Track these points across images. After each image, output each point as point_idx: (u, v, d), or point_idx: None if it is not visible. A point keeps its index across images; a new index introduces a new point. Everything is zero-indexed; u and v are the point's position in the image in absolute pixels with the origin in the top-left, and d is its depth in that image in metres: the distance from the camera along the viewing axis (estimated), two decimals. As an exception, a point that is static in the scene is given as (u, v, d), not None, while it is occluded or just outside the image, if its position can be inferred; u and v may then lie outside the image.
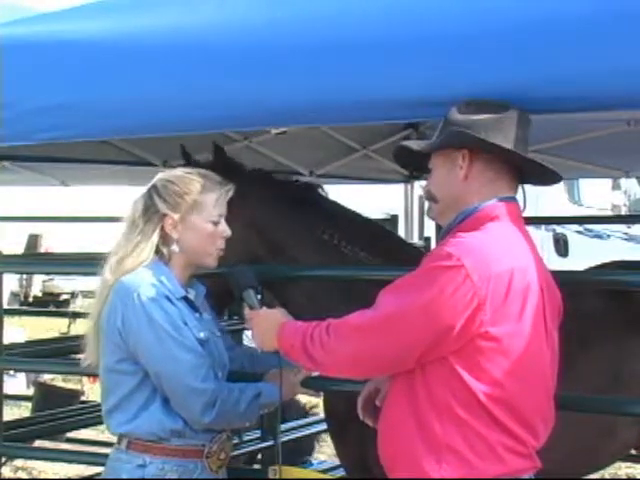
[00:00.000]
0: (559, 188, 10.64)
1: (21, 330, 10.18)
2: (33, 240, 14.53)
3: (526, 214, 2.46)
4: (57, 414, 5.76)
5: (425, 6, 2.60)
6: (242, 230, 3.16)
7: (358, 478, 3.42)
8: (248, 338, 4.83)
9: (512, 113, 2.39)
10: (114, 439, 2.85)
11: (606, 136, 4.67)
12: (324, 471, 4.99)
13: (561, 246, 10.87)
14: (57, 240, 14.06)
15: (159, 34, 2.97)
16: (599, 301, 3.49)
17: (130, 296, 2.70)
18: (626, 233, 11.23)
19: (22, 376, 8.69)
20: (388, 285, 2.37)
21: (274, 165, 5.25)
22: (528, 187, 2.50)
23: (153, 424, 2.73)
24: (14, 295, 14.28)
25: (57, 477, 6.60)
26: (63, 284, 15.05)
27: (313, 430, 5.40)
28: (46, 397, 6.63)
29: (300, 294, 3.29)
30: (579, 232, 10.94)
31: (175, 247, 2.80)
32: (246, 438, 5.04)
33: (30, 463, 6.73)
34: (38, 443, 5.62)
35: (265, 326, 2.63)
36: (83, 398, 6.91)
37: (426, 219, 5.96)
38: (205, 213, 2.80)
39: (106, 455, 2.94)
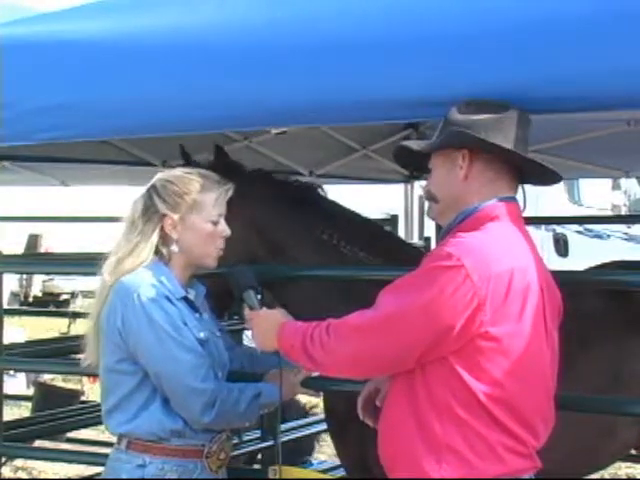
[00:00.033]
0: (559, 188, 10.64)
1: (21, 330, 10.18)
2: (33, 240, 14.54)
3: (526, 214, 2.46)
4: (57, 414, 5.77)
5: (425, 6, 2.60)
6: (242, 230, 3.16)
7: (358, 478, 3.42)
8: (248, 338, 4.83)
9: (512, 113, 2.39)
10: (114, 439, 2.85)
11: (606, 136, 4.67)
12: (324, 471, 4.99)
13: (561, 246, 10.87)
14: (57, 240, 14.06)
15: (159, 34, 2.96)
16: (599, 301, 3.49)
17: (130, 296, 2.70)
18: (626, 233, 11.23)
19: (22, 376, 8.69)
20: (388, 285, 2.37)
21: (274, 165, 5.25)
22: (528, 187, 2.50)
23: (153, 424, 2.73)
24: (14, 295, 14.28)
25: (57, 477, 6.60)
26: (63, 284, 15.05)
27: (313, 430, 5.40)
28: (46, 397, 6.63)
29: (300, 294, 3.29)
30: (579, 232, 10.94)
31: (174, 247, 2.80)
32: (246, 438, 5.04)
33: (30, 463, 6.73)
34: (38, 443, 5.62)
35: (265, 326, 2.63)
36: (83, 398, 6.91)
37: (426, 219, 5.96)
38: (204, 213, 2.80)
39: (106, 455, 2.94)
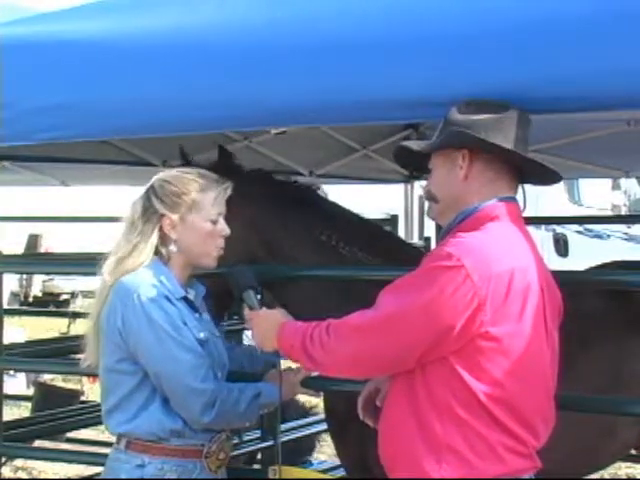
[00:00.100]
0: (559, 188, 10.64)
1: (21, 330, 10.18)
2: (33, 240, 14.54)
3: (526, 214, 2.46)
4: (57, 414, 5.77)
5: (425, 6, 2.60)
6: (241, 230, 3.16)
7: (358, 478, 3.42)
8: (248, 338, 4.84)
9: (512, 113, 2.39)
10: (114, 439, 2.85)
11: (606, 136, 4.67)
12: (324, 471, 4.99)
13: (561, 246, 10.87)
14: (57, 240, 14.06)
15: (159, 34, 2.96)
16: (599, 301, 3.49)
17: (130, 296, 2.70)
18: (626, 233, 11.22)
19: (22, 376, 8.69)
20: (388, 285, 2.37)
21: (274, 165, 5.24)
22: (528, 187, 2.50)
23: (153, 424, 2.73)
24: (14, 295, 14.28)
25: (57, 477, 6.60)
26: (63, 284, 15.05)
27: (313, 430, 5.40)
28: (46, 397, 6.62)
29: (300, 294, 3.29)
30: (579, 232, 10.94)
31: (173, 247, 2.80)
32: (246, 438, 5.05)
33: (30, 463, 6.73)
34: (38, 443, 5.62)
35: (265, 326, 2.63)
36: (83, 398, 6.90)
37: (426, 219, 5.96)
38: (204, 212, 2.80)
39: (106, 455, 2.94)
